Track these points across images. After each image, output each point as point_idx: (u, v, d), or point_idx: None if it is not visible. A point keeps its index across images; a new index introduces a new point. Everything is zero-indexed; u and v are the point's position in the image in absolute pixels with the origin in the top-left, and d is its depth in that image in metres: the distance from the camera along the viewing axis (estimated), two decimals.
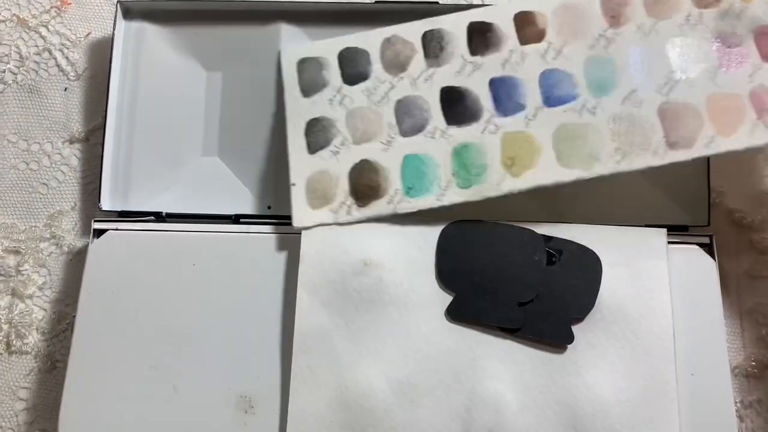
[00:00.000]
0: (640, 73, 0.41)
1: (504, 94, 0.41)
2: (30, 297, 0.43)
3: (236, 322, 0.40)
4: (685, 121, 0.40)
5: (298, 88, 0.43)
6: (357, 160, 0.42)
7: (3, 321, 0.43)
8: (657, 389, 0.37)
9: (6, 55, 0.47)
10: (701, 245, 0.41)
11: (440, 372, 0.38)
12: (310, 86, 0.43)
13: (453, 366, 0.38)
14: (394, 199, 0.41)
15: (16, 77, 0.46)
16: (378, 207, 0.41)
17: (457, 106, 0.42)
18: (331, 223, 0.41)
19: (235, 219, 0.42)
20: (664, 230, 0.40)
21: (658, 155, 0.39)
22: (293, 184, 0.41)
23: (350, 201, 0.41)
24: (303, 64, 0.43)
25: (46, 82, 0.47)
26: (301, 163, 0.42)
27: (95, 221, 0.41)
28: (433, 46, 0.43)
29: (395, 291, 0.39)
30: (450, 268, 0.40)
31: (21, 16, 0.47)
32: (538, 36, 0.42)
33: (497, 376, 0.38)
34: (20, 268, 0.44)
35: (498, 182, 0.40)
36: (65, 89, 0.47)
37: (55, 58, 0.47)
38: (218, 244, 0.41)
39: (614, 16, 0.42)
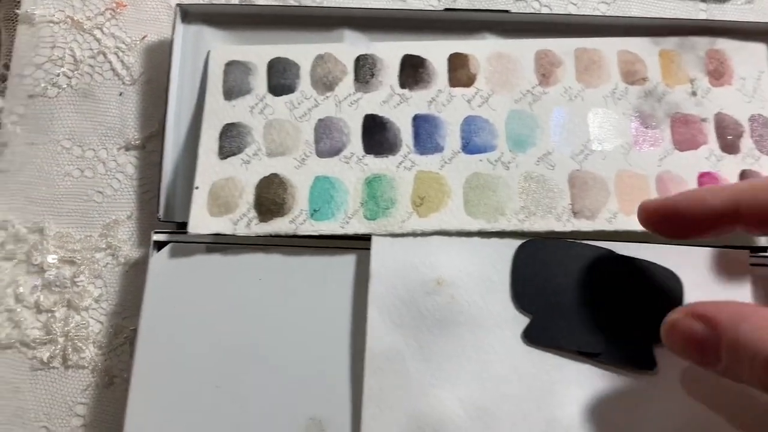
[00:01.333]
0: (559, 136, 0.42)
1: (425, 132, 0.42)
2: (86, 309, 0.42)
3: (304, 340, 0.39)
4: (592, 192, 0.41)
5: (220, 90, 0.43)
6: (267, 173, 0.41)
7: (59, 334, 0.42)
8: None
9: (60, 59, 0.46)
10: None
11: (518, 397, 0.37)
12: (233, 90, 0.43)
13: (531, 391, 0.37)
14: (297, 219, 0.40)
15: (70, 81, 0.45)
16: (279, 225, 0.40)
17: (377, 135, 0.42)
18: (227, 233, 0.40)
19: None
20: (747, 252, 0.39)
21: (561, 221, 0.40)
22: (197, 188, 0.41)
23: (252, 214, 0.40)
24: (230, 66, 0.43)
25: (101, 87, 0.45)
26: (208, 167, 0.41)
27: (155, 233, 0.40)
28: (365, 71, 0.43)
29: (469, 311, 0.38)
30: (526, 288, 0.39)
31: (75, 18, 0.46)
32: (468, 80, 0.43)
33: (578, 402, 0.37)
34: (76, 280, 0.43)
35: (403, 219, 0.40)
36: (120, 94, 0.45)
37: (110, 62, 0.46)
38: (286, 260, 0.40)
39: (545, 75, 0.43)
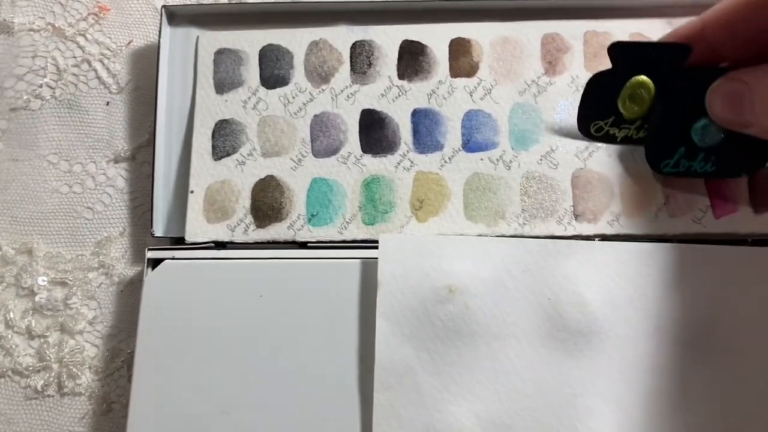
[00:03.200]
0: (564, 131, 0.40)
1: (424, 128, 0.41)
2: (80, 333, 0.41)
3: (310, 358, 0.37)
4: (595, 193, 0.40)
5: (211, 83, 0.41)
6: (263, 175, 0.40)
7: (53, 360, 0.40)
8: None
9: (42, 68, 0.44)
10: None
11: (537, 411, 0.36)
12: (224, 82, 0.42)
13: (551, 404, 0.36)
14: (295, 224, 0.40)
15: (54, 92, 0.44)
16: (277, 231, 0.40)
17: (375, 132, 0.41)
18: (226, 241, 0.39)
19: (302, 243, 0.40)
20: None
21: (562, 224, 0.39)
22: (191, 192, 0.40)
23: (249, 219, 0.40)
24: (220, 55, 0.42)
25: (87, 97, 0.44)
26: (203, 170, 0.40)
27: (149, 250, 0.39)
28: (362, 60, 0.42)
29: (484, 320, 0.37)
30: None
31: (56, 25, 0.44)
32: (471, 69, 0.41)
33: (601, 416, 0.35)
34: (68, 302, 0.41)
35: (402, 224, 0.40)
36: (107, 103, 0.44)
37: (95, 70, 0.44)
38: (286, 272, 0.39)
39: (551, 63, 0.41)
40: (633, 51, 0.38)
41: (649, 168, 0.39)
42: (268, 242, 0.40)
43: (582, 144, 0.40)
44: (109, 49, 0.44)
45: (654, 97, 0.38)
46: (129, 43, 0.45)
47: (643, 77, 0.38)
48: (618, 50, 0.38)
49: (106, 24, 0.45)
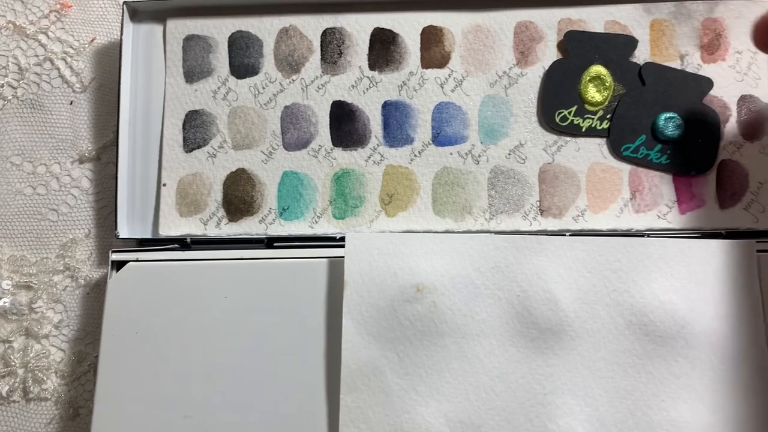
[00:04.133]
0: (533, 124, 0.40)
1: (395, 121, 0.41)
2: (46, 337, 0.41)
3: (276, 359, 0.37)
4: (562, 188, 0.40)
5: (181, 71, 0.41)
6: (234, 168, 0.40)
7: (18, 365, 0.40)
8: (751, 425, 0.34)
9: (3, 68, 0.43)
10: None
11: (506, 409, 0.35)
12: (194, 70, 0.41)
13: (520, 402, 0.35)
14: (266, 218, 0.40)
15: (15, 92, 0.43)
16: (248, 225, 0.40)
17: (346, 125, 0.40)
18: (199, 235, 0.39)
19: (269, 243, 0.39)
20: (753, 242, 0.37)
21: (527, 220, 0.39)
22: (164, 184, 0.40)
23: (221, 213, 0.40)
24: (189, 42, 0.42)
25: (50, 96, 0.43)
26: (174, 162, 0.41)
27: (113, 252, 0.38)
28: (332, 48, 0.41)
29: (452, 319, 0.36)
30: None
31: (17, 23, 0.44)
32: (442, 60, 0.41)
33: (571, 413, 0.35)
34: (33, 306, 0.41)
35: (372, 219, 0.40)
36: (71, 103, 0.43)
37: (58, 69, 0.43)
38: (251, 272, 0.38)
39: (524, 53, 0.41)
40: (586, 40, 0.39)
41: (615, 162, 0.39)
42: (240, 237, 0.39)
43: (551, 138, 0.40)
44: (71, 47, 0.44)
45: (613, 86, 0.39)
46: (92, 40, 0.44)
47: (599, 67, 0.39)
48: (573, 40, 0.39)
49: (69, 21, 0.44)
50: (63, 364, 0.41)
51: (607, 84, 0.40)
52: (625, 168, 0.40)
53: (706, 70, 0.40)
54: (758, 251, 0.37)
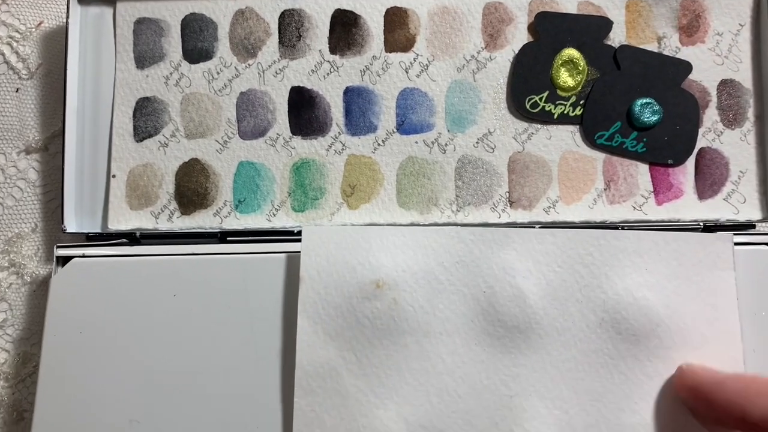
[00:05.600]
0: (502, 110, 0.39)
1: (357, 108, 0.39)
2: None
3: (228, 361, 0.35)
4: (532, 179, 0.38)
5: (131, 56, 0.40)
6: (187, 158, 0.39)
7: None
8: None
9: None
10: None
11: (470, 413, 0.34)
12: (145, 55, 0.40)
13: (486, 406, 0.34)
14: (221, 211, 0.39)
15: None
16: (202, 218, 0.39)
17: (305, 112, 0.39)
18: (149, 228, 0.38)
19: (222, 237, 0.37)
20: (731, 235, 0.35)
21: (496, 212, 0.38)
22: (113, 176, 0.39)
23: (173, 206, 0.39)
24: (140, 24, 0.40)
25: None
26: (124, 152, 0.39)
27: (58, 247, 0.37)
28: (291, 31, 0.40)
29: (414, 317, 0.34)
30: None
31: None
32: (407, 43, 0.39)
33: (538, 416, 0.33)
34: None
35: (333, 212, 0.38)
36: (17, 90, 0.41)
37: (3, 54, 0.42)
38: (204, 268, 0.36)
39: (492, 36, 0.39)
40: (558, 22, 0.37)
41: (589, 150, 0.38)
42: (192, 231, 0.38)
43: (521, 126, 0.38)
44: (17, 31, 0.42)
45: (587, 70, 0.37)
46: (39, 24, 0.42)
47: (572, 50, 0.37)
48: (544, 21, 0.38)
49: (14, 4, 0.42)
50: (7, 365, 0.39)
51: (580, 68, 0.38)
52: (599, 157, 0.38)
53: (685, 53, 0.39)
54: (737, 244, 0.35)
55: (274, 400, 0.35)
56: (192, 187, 0.39)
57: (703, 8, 0.39)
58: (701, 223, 0.37)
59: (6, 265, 0.40)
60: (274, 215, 0.38)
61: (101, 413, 0.35)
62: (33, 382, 0.39)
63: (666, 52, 0.38)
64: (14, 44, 0.42)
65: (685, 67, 0.38)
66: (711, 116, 0.38)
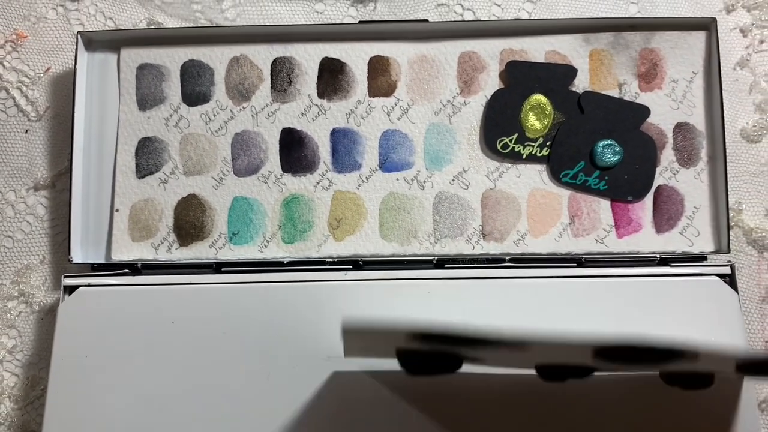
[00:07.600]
0: (476, 150, 0.42)
1: (343, 148, 0.42)
2: (0, 362, 0.42)
3: (229, 385, 0.38)
4: (503, 213, 0.42)
5: (134, 98, 0.43)
6: (185, 194, 0.42)
7: None
8: None
9: None
10: (721, 276, 0.40)
11: None
12: (147, 98, 0.43)
13: None
14: (216, 243, 0.42)
15: None
16: (199, 249, 0.42)
17: (295, 152, 0.42)
18: (150, 259, 0.41)
19: (217, 268, 0.41)
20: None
21: (471, 243, 0.41)
22: (117, 210, 0.42)
23: (172, 238, 0.42)
24: (142, 70, 0.43)
25: (5, 125, 0.45)
26: (127, 188, 0.42)
27: (65, 277, 0.40)
28: (282, 77, 0.43)
29: None
30: None
31: None
32: (389, 89, 0.43)
33: None
34: None
35: (320, 243, 0.42)
36: (26, 131, 0.45)
37: (14, 98, 0.45)
38: (199, 297, 0.40)
39: (467, 82, 0.43)
40: (527, 70, 0.41)
41: (555, 188, 0.41)
42: (191, 262, 0.41)
43: (493, 164, 0.42)
44: (27, 76, 0.45)
45: (553, 114, 0.41)
46: (47, 69, 0.46)
47: (540, 96, 0.41)
48: (514, 69, 0.41)
49: (24, 51, 0.46)
50: (16, 389, 0.42)
51: (547, 112, 0.42)
52: (565, 193, 0.42)
53: (643, 98, 0.42)
54: (694, 274, 0.39)
55: (276, 425, 0.38)
56: (190, 220, 0.42)
57: (660, 57, 0.43)
58: (658, 255, 0.41)
59: (16, 294, 0.43)
60: (266, 246, 0.42)
61: None
62: (41, 404, 0.41)
63: (626, 98, 0.42)
64: (24, 88, 0.45)
65: (644, 111, 0.42)
66: (668, 156, 0.42)
